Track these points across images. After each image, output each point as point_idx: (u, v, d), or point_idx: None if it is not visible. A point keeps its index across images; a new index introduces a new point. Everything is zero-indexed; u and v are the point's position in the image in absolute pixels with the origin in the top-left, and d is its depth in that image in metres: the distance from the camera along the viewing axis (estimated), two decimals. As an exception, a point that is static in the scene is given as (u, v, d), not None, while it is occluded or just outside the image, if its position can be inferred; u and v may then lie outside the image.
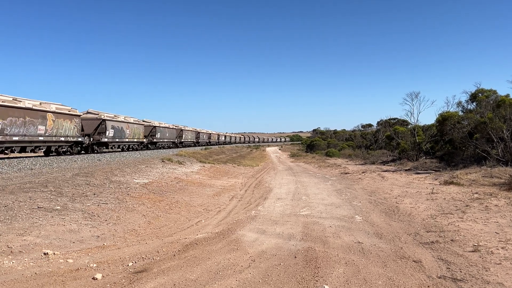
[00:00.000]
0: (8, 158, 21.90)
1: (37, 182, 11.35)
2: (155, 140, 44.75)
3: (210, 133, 75.96)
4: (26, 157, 23.46)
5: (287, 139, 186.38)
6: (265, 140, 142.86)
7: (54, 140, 24.54)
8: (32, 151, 23.46)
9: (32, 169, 15.38)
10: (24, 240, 6.81)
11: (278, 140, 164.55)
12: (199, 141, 65.86)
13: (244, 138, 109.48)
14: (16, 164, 17.19)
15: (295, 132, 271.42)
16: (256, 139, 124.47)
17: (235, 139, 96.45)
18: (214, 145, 70.49)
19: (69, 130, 26.23)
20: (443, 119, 25.86)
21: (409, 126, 35.63)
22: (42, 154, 26.28)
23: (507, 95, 25.21)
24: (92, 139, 30.64)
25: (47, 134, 23.50)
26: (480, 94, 27.69)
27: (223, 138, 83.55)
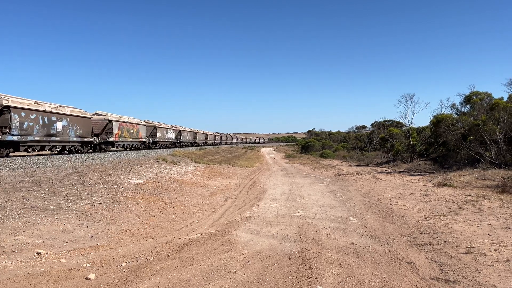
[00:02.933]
0: (1, 157, 21.64)
1: (30, 181, 11.27)
2: (111, 138, 33.45)
3: (196, 132, 69.35)
4: (19, 156, 23.27)
5: (266, 139, 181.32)
6: (244, 140, 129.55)
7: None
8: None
9: (25, 168, 15.27)
10: (17, 239, 6.75)
11: (257, 140, 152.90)
12: (181, 140, 59.41)
13: (221, 137, 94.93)
14: (9, 163, 17.05)
15: (290, 133, 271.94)
16: (234, 139, 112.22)
17: (214, 138, 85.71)
18: (201, 145, 66.35)
19: None
20: (437, 121, 26.02)
21: (403, 128, 35.88)
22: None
23: (501, 98, 25.44)
24: None
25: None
26: (474, 97, 27.92)
27: (202, 138, 74.27)
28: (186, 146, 59.34)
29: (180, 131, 58.70)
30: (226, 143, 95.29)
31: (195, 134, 67.27)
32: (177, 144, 56.11)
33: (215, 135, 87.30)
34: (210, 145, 73.46)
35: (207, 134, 77.24)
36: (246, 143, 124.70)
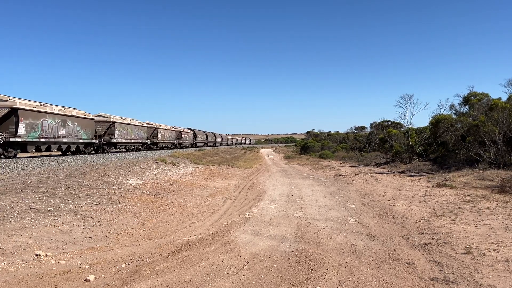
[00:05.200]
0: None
1: (29, 183, 11.25)
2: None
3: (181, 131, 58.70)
4: (18, 157, 23.26)
5: (253, 140, 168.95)
6: (230, 141, 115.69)
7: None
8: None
9: (24, 169, 15.25)
10: (16, 241, 6.75)
11: (243, 141, 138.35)
12: (181, 141, 56.48)
13: (195, 135, 70.21)
14: (8, 164, 17.03)
15: (289, 134, 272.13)
16: (219, 139, 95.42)
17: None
18: (186, 146, 58.68)
19: None
20: (436, 122, 26.04)
21: (402, 129, 35.90)
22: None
23: (499, 99, 25.48)
24: None
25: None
26: (472, 97, 27.97)
27: (186, 137, 62.64)
28: (186, 147, 58.63)
29: (180, 132, 58.31)
30: (206, 144, 76.80)
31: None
32: (177, 145, 55.65)
33: (181, 132, 63.34)
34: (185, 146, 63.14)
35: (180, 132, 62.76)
36: (232, 144, 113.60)
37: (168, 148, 50.71)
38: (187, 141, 61.13)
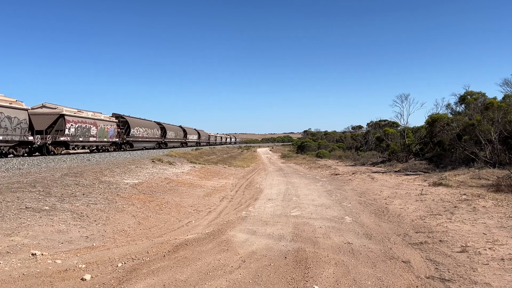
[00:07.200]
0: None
1: (25, 182, 11.22)
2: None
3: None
4: (14, 156, 23.18)
5: (238, 139, 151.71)
6: (213, 139, 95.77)
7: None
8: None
9: (20, 169, 15.19)
10: (12, 240, 6.72)
11: (228, 140, 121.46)
12: (187, 140, 55.80)
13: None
14: (3, 163, 16.96)
15: (286, 133, 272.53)
16: (194, 136, 71.12)
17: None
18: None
19: None
20: (433, 121, 26.12)
21: (399, 128, 35.94)
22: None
23: (495, 98, 25.60)
24: None
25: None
26: (468, 97, 28.06)
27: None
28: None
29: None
30: (165, 144, 52.02)
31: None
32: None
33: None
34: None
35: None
36: (215, 143, 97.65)
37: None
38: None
